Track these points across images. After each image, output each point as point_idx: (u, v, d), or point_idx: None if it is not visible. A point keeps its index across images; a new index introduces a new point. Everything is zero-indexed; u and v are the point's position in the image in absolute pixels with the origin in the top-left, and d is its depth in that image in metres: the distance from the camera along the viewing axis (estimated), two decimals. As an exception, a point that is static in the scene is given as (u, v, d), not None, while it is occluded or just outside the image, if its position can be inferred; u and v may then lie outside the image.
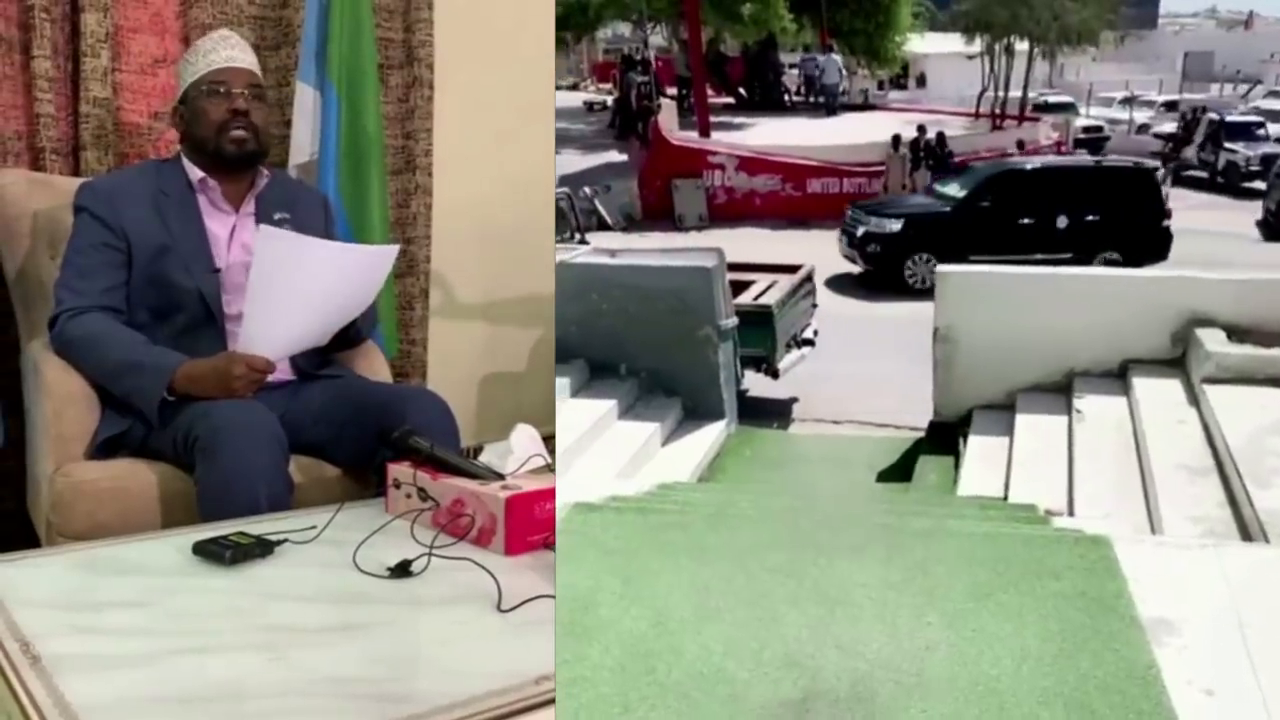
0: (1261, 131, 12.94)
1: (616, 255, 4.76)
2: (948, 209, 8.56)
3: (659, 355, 4.30)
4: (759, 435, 4.51)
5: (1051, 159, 9.95)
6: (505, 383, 4.17)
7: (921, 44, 18.51)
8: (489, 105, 3.93)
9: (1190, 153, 13.11)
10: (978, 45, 14.77)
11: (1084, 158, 9.61)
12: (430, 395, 2.50)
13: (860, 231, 8.40)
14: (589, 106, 17.47)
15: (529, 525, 1.85)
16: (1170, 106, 16.54)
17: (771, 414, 5.04)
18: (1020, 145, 11.55)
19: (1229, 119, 13.22)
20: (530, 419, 2.22)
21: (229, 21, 3.25)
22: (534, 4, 3.99)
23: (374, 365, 2.84)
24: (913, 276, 8.06)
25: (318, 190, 2.97)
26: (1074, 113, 15.66)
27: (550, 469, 2.08)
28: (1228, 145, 12.55)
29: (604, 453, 3.76)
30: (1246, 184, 11.47)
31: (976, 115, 14.94)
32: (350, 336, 2.60)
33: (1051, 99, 16.13)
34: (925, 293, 7.70)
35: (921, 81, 20.65)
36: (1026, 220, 8.32)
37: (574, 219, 7.43)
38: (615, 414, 4.05)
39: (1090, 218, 8.34)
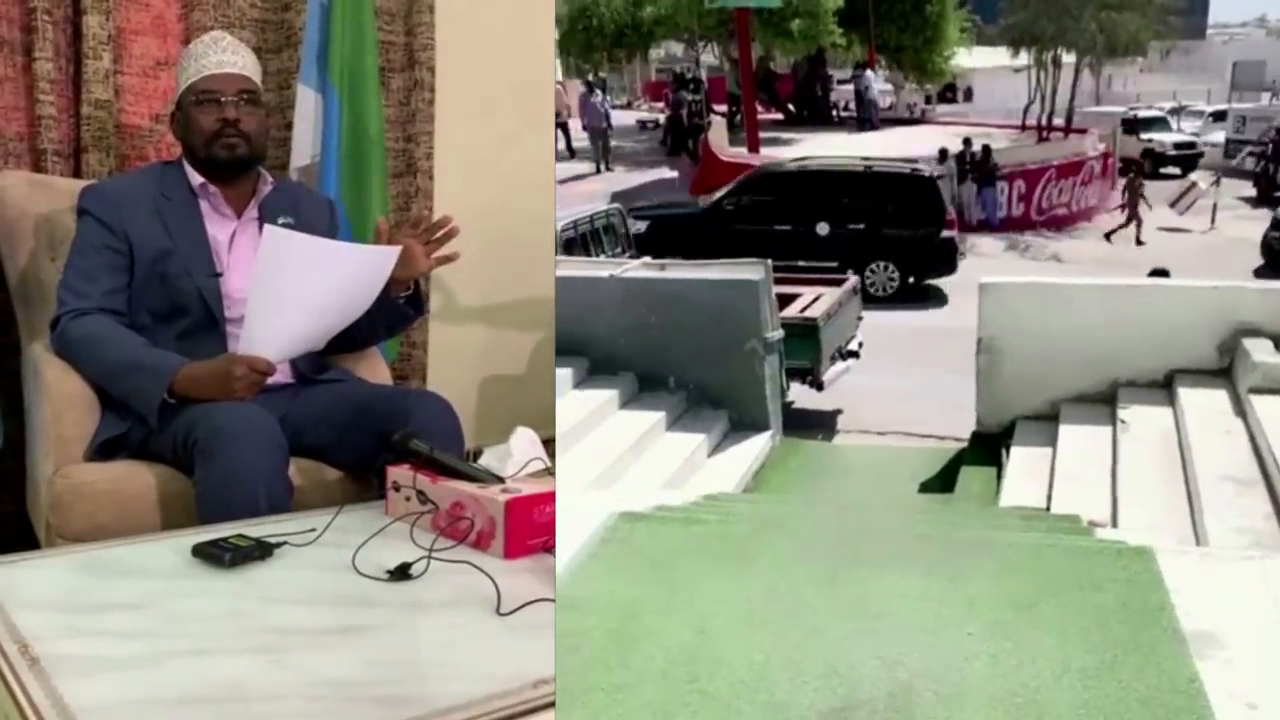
0: None
1: (665, 268, 4.77)
2: (697, 212, 8.12)
3: (706, 367, 4.29)
4: (803, 446, 4.49)
5: (813, 161, 9.05)
6: (505, 386, 4.11)
7: (969, 58, 18.32)
8: (490, 108, 3.87)
9: None
10: (1024, 58, 14.59)
11: (853, 161, 8.64)
12: (434, 397, 2.45)
13: None
14: (641, 125, 17.54)
15: (528, 529, 1.82)
16: (1219, 117, 16.09)
17: (816, 425, 5.01)
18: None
19: None
20: (530, 422, 2.19)
21: (230, 24, 3.18)
22: (535, 8, 3.95)
23: (374, 368, 2.79)
24: None
25: (323, 194, 2.93)
26: (1166, 128, 14.86)
27: (550, 472, 2.05)
28: None
29: (652, 463, 3.76)
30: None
31: (1023, 128, 14.75)
32: (359, 337, 2.56)
33: (1142, 114, 15.28)
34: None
35: (969, 95, 20.42)
36: (783, 226, 7.76)
37: (625, 234, 7.45)
38: (664, 425, 4.06)
39: (856, 226, 7.72)
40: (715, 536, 2.33)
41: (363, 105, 3.20)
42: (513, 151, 3.92)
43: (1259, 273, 9.12)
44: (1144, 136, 13.93)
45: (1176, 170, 13.77)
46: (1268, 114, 14.55)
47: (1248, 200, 11.53)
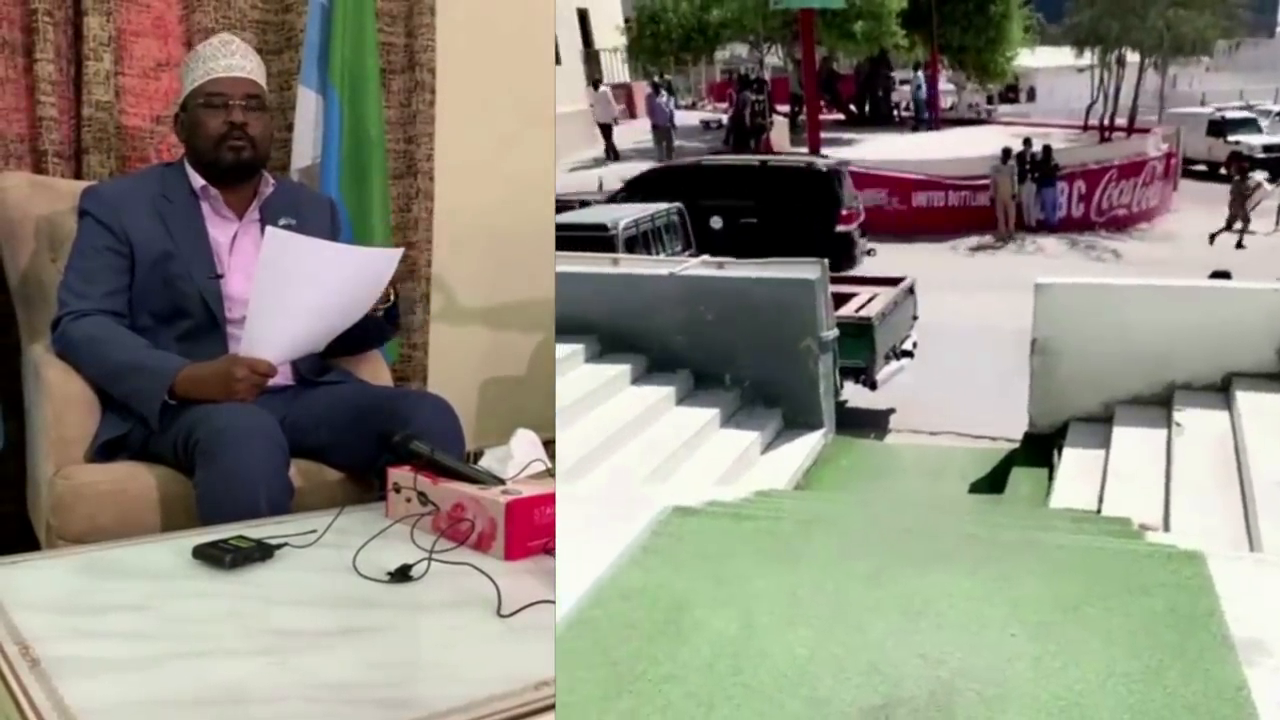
0: None
1: (724, 267, 4.75)
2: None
3: (761, 365, 4.26)
4: (855, 445, 4.44)
5: (710, 157, 8.89)
6: (506, 387, 4.07)
7: (1032, 58, 17.92)
8: (490, 110, 3.82)
9: None
10: (1088, 58, 14.23)
11: (749, 157, 8.54)
12: (434, 398, 2.39)
13: None
14: (705, 125, 17.47)
15: (529, 530, 1.80)
16: (1286, 116, 15.42)
17: (869, 424, 4.95)
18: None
19: None
20: (531, 424, 2.16)
21: (231, 25, 3.13)
22: (535, 9, 3.90)
23: (375, 370, 2.74)
24: None
25: (325, 195, 2.88)
26: (1254, 130, 14.01)
27: (550, 474, 2.03)
28: None
29: (706, 459, 3.75)
30: None
31: (1084, 128, 14.40)
32: (359, 339, 2.51)
33: (1230, 114, 14.40)
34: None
35: (1031, 95, 19.99)
36: None
37: (686, 232, 7.43)
38: (718, 422, 4.04)
39: (747, 220, 7.47)
40: (765, 533, 2.33)
41: (363, 107, 3.15)
42: (513, 152, 3.86)
43: (1323, 276, 8.79)
44: (1231, 139, 13.32)
45: (1264, 174, 12.99)
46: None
47: (1315, 201, 11.03)
